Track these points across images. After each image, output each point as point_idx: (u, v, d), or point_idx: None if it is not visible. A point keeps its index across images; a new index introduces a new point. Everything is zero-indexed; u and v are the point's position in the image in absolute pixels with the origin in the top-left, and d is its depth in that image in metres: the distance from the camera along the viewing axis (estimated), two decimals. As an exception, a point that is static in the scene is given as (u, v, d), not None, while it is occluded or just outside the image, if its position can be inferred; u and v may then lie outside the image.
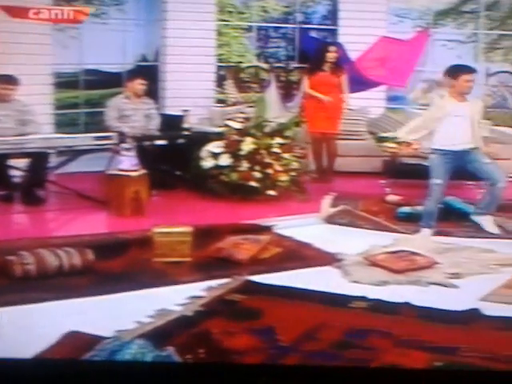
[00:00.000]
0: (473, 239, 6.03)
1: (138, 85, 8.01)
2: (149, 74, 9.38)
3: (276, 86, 9.54)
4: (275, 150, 7.54)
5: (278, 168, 7.46)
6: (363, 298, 4.54)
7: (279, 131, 7.78)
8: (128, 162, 6.70)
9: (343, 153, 8.88)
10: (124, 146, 6.93)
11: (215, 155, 7.49)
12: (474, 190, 7.95)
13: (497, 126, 10.24)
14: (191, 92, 9.68)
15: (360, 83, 9.17)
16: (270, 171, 7.41)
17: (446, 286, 4.85)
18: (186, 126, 8.25)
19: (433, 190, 6.25)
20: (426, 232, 6.18)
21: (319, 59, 8.62)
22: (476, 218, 6.38)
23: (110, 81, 10.11)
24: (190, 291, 4.58)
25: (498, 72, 10.89)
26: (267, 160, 7.45)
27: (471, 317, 4.23)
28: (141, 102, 8.02)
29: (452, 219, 6.53)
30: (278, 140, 7.63)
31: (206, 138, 7.79)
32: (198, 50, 10.13)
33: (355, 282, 4.92)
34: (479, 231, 6.31)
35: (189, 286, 4.74)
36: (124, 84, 8.59)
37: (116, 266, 5.11)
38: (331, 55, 8.58)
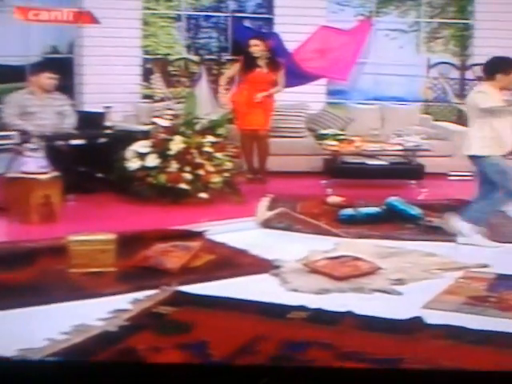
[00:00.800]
0: (415, 242, 6.10)
1: (46, 79, 7.82)
2: (60, 67, 9.24)
3: (207, 80, 9.55)
4: (207, 149, 7.55)
5: (210, 168, 7.47)
6: (302, 308, 4.55)
7: (211, 129, 7.79)
8: (34, 164, 6.55)
9: (281, 151, 8.94)
10: (29, 145, 6.78)
11: (141, 155, 7.45)
12: (416, 190, 8.13)
13: (437, 121, 10.50)
14: (114, 87, 9.63)
15: (298, 76, 9.23)
16: (201, 172, 7.40)
17: (389, 292, 4.91)
18: (108, 123, 8.17)
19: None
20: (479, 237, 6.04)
21: (247, 54, 8.63)
22: (457, 223, 6.12)
23: (9, 75, 9.92)
24: (113, 304, 4.51)
25: (439, 63, 11.12)
26: (198, 160, 7.44)
27: (414, 326, 4.29)
28: (50, 97, 7.85)
29: (395, 221, 6.64)
30: (210, 138, 7.64)
31: (131, 136, 7.75)
32: (122, 41, 10.06)
33: (294, 290, 4.93)
34: (421, 234, 6.41)
35: (112, 298, 4.67)
36: (27, 78, 8.43)
37: (20, 277, 4.96)
38: (254, 49, 8.59)
